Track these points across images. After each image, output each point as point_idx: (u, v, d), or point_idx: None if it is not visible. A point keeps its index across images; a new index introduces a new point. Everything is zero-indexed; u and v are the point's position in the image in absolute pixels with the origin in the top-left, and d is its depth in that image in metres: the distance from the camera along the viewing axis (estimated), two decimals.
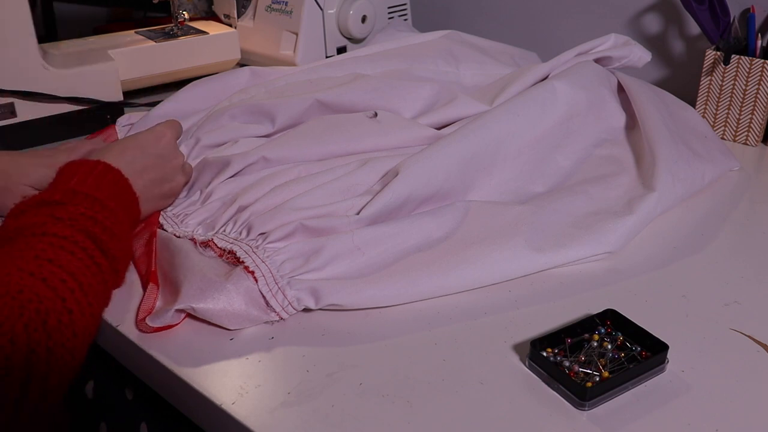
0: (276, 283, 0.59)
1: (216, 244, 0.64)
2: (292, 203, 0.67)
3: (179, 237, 0.67)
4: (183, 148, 0.80)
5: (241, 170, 0.76)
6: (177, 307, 0.57)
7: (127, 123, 0.91)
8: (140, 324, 0.58)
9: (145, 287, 0.62)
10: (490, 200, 0.74)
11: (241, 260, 0.61)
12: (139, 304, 0.60)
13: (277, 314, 0.58)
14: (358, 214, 0.66)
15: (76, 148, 0.76)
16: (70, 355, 0.49)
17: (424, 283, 0.61)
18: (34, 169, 0.70)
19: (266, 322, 0.59)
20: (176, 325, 0.58)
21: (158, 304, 0.60)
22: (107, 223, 0.56)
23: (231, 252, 0.62)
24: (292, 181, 0.71)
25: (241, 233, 0.65)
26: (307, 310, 0.60)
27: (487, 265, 0.63)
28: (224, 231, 0.66)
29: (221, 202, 0.71)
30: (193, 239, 0.66)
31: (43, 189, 0.60)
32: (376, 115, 0.85)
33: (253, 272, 0.59)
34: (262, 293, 0.58)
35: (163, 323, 0.57)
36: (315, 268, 0.61)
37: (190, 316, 0.58)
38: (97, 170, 0.61)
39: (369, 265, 0.62)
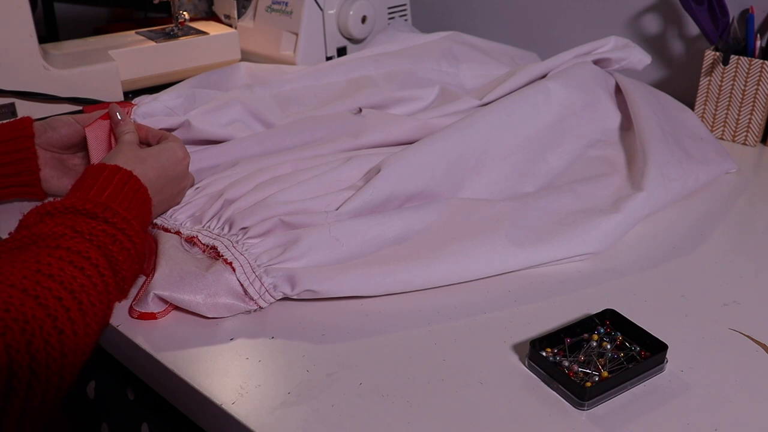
0: (253, 272, 0.60)
1: (200, 240, 0.65)
2: (273, 199, 0.68)
3: (167, 229, 0.68)
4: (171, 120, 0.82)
5: (228, 168, 0.77)
6: (156, 292, 0.58)
7: (148, 103, 0.86)
8: (130, 309, 0.60)
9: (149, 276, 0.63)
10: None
11: (221, 254, 0.62)
12: (138, 290, 0.61)
13: (255, 302, 0.59)
14: (337, 210, 0.66)
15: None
16: (56, 377, 0.47)
17: (402, 274, 0.61)
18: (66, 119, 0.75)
19: (246, 312, 0.59)
20: (158, 315, 0.59)
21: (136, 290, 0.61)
22: (127, 245, 0.56)
23: (213, 247, 0.64)
24: (276, 178, 0.72)
25: (223, 229, 0.66)
26: (307, 309, 0.60)
27: (468, 260, 0.63)
28: (209, 227, 0.67)
29: (208, 197, 0.72)
30: (178, 232, 0.67)
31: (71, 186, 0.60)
32: (360, 111, 0.86)
33: (231, 263, 0.60)
34: (240, 282, 0.59)
35: (144, 309, 0.58)
36: (292, 257, 0.61)
37: (189, 314, 0.59)
38: (129, 185, 0.60)
39: (348, 256, 0.63)
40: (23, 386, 0.45)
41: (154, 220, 0.70)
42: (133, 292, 0.61)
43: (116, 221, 0.56)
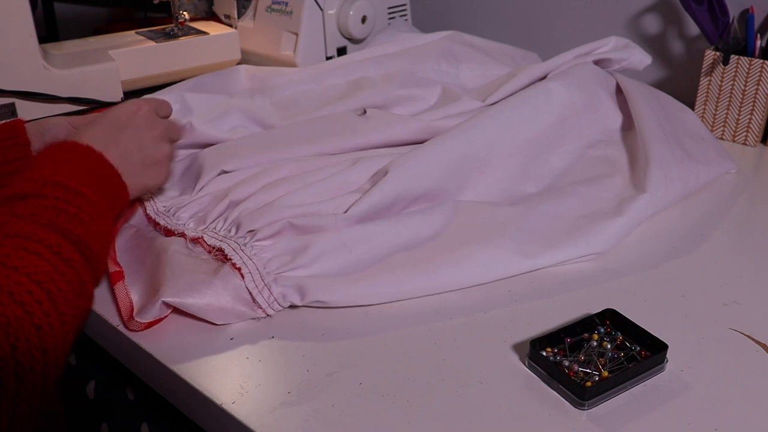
0: (262, 280, 0.59)
1: (206, 241, 0.65)
2: (281, 201, 0.68)
3: (170, 231, 0.68)
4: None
5: (232, 170, 0.76)
6: (164, 299, 0.57)
7: None
8: (129, 323, 0.58)
9: (111, 289, 0.61)
10: (481, 200, 0.74)
11: (229, 257, 0.61)
12: (117, 308, 0.60)
13: (263, 310, 0.59)
14: (346, 212, 0.66)
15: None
16: (41, 376, 0.45)
17: (409, 282, 0.62)
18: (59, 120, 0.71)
19: (254, 318, 0.59)
20: (164, 318, 0.58)
21: (137, 298, 0.60)
22: (72, 210, 0.52)
23: (219, 249, 0.63)
24: (282, 179, 0.72)
25: (230, 230, 0.66)
26: (307, 309, 0.60)
27: (473, 267, 0.64)
28: (214, 228, 0.67)
29: (212, 196, 0.71)
30: (183, 234, 0.67)
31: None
32: (365, 112, 0.86)
33: (240, 269, 0.60)
34: (248, 289, 0.59)
35: (153, 317, 0.57)
36: (302, 265, 0.61)
37: (189, 315, 0.59)
38: (61, 151, 0.56)
39: (356, 263, 0.63)
40: (11, 393, 0.43)
41: (157, 220, 0.69)
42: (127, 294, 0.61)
43: (47, 192, 0.52)
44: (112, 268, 0.63)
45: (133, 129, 0.64)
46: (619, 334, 0.56)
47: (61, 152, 0.56)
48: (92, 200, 0.54)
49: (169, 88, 0.94)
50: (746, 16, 0.96)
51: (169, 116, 0.73)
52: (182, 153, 0.82)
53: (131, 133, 0.63)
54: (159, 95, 0.91)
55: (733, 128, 0.97)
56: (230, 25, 1.20)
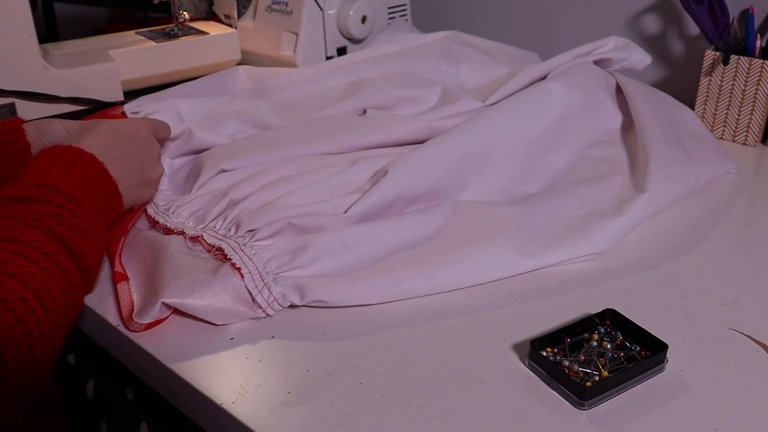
0: (262, 280, 0.59)
1: (205, 240, 0.65)
2: (281, 201, 0.68)
3: (170, 230, 0.68)
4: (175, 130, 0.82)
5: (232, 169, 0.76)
6: (164, 300, 0.57)
7: (136, 110, 0.88)
8: (129, 324, 0.58)
9: (114, 287, 0.61)
10: (481, 200, 0.74)
11: (228, 257, 0.61)
12: (118, 307, 0.60)
13: (263, 310, 0.59)
14: (345, 212, 0.66)
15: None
16: (28, 380, 0.45)
17: (409, 282, 0.62)
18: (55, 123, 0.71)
19: (254, 318, 0.59)
20: (165, 319, 0.58)
21: (136, 298, 0.60)
22: (74, 220, 0.52)
23: (219, 249, 0.63)
24: (282, 179, 0.72)
25: (230, 230, 0.66)
26: (307, 309, 0.60)
27: (473, 266, 0.64)
28: (214, 227, 0.67)
29: (212, 195, 0.71)
30: (182, 232, 0.67)
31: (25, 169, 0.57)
32: (365, 112, 0.86)
33: (239, 269, 0.60)
34: (248, 289, 0.59)
35: (153, 318, 0.57)
36: (301, 264, 0.61)
37: (189, 314, 0.59)
38: (65, 157, 0.56)
39: (356, 263, 0.63)
40: None
41: (156, 218, 0.69)
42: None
43: (51, 198, 0.52)
44: (119, 268, 0.63)
45: (135, 147, 0.65)
46: (619, 334, 0.56)
47: (64, 158, 0.56)
48: (92, 211, 0.55)
49: (163, 92, 0.93)
50: (746, 16, 0.96)
51: (167, 138, 0.74)
52: (183, 160, 0.82)
53: (133, 151, 0.65)
54: (147, 100, 0.90)
55: (733, 128, 0.97)
56: (230, 25, 1.20)
